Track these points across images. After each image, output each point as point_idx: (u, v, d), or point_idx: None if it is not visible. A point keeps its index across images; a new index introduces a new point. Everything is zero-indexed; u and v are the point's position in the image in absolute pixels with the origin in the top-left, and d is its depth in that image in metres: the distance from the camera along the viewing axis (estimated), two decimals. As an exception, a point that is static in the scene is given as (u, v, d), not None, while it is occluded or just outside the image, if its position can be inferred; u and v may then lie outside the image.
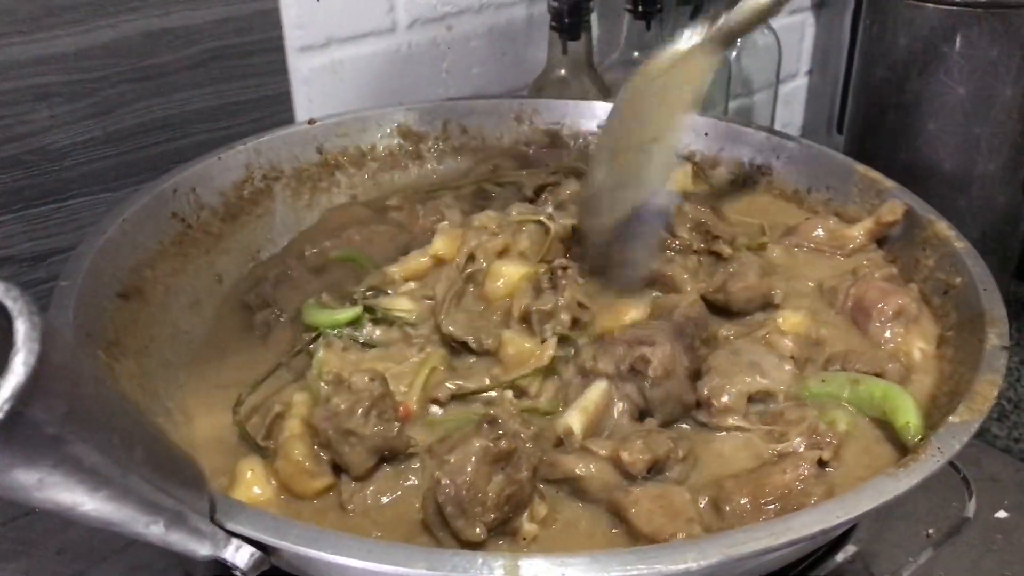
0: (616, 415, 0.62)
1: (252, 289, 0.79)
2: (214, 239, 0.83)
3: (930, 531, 0.78)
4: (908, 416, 0.60)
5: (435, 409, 0.65)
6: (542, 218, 0.78)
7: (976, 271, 0.71)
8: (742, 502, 0.57)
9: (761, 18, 0.72)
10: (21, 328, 0.32)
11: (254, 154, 0.89)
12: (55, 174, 0.87)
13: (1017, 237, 1.17)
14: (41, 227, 0.88)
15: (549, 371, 0.67)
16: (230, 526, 0.48)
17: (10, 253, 0.87)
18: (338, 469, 0.60)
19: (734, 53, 1.31)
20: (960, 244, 0.75)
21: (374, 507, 0.58)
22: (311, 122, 0.93)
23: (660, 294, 0.74)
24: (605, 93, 1.08)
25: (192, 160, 0.84)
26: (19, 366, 0.32)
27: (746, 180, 0.97)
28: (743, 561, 0.47)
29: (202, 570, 0.66)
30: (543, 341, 0.68)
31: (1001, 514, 0.82)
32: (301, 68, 1.00)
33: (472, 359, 0.69)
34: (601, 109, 1.01)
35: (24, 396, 0.32)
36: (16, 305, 0.33)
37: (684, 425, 0.64)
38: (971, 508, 0.68)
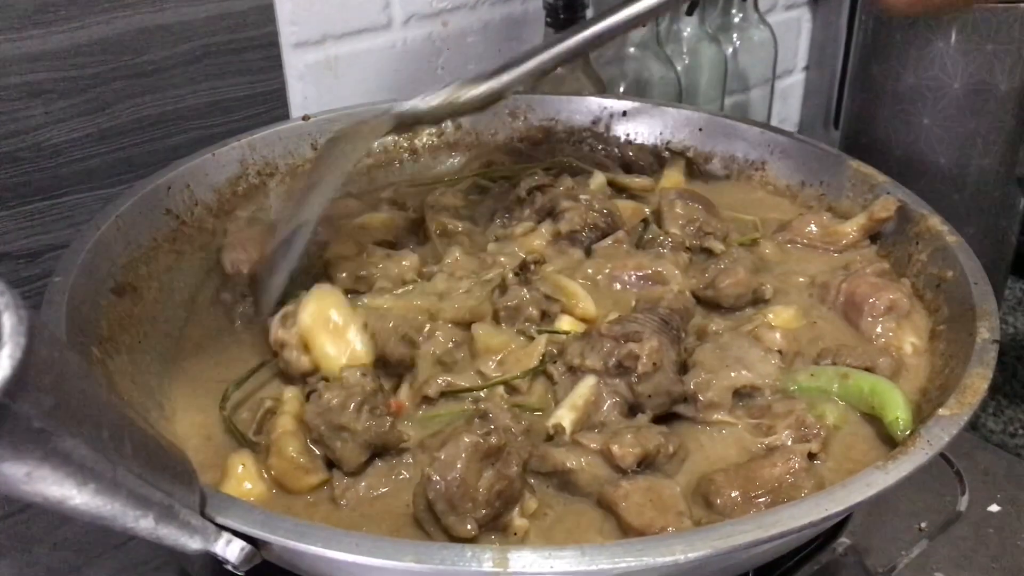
0: (605, 410, 0.62)
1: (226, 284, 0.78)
2: (208, 235, 0.83)
3: (923, 524, 0.78)
4: (897, 410, 0.60)
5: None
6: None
7: (968, 265, 0.71)
8: (732, 495, 0.57)
9: (453, 113, 0.80)
10: (7, 322, 0.32)
11: (248, 150, 0.89)
12: (50, 171, 0.87)
13: (1013, 232, 1.17)
14: (36, 223, 0.88)
15: (538, 370, 0.66)
16: (220, 520, 0.48)
17: (5, 249, 0.87)
18: (331, 464, 0.60)
19: (731, 49, 1.31)
20: (952, 239, 0.75)
21: (366, 501, 0.58)
22: (306, 118, 0.93)
23: None
24: (600, 88, 1.08)
25: (186, 156, 0.84)
26: (5, 360, 0.32)
27: (740, 175, 0.97)
28: (732, 554, 0.47)
29: (197, 565, 0.67)
30: (521, 335, 0.68)
31: (993, 508, 0.82)
32: (296, 64, 1.00)
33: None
34: (596, 105, 1.01)
35: (10, 390, 0.32)
36: (2, 299, 0.32)
37: (674, 420, 0.64)
38: (964, 502, 0.69)
